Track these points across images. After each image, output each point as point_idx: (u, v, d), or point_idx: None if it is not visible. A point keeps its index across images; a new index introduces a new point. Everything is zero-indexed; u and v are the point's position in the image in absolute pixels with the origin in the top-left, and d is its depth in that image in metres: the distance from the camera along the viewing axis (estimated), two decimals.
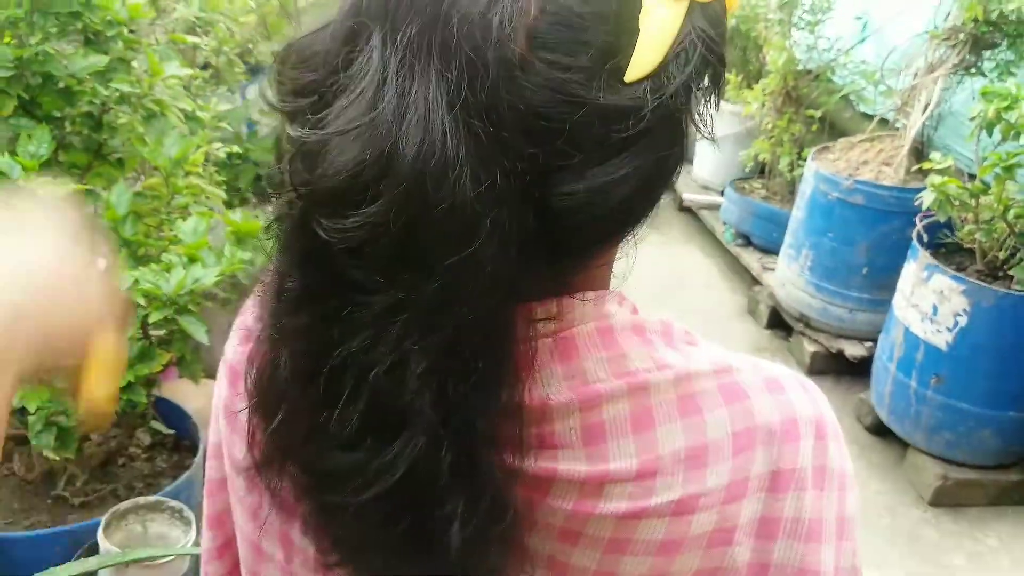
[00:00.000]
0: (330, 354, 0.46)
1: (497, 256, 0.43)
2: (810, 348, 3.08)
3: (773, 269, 3.36)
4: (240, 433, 0.61)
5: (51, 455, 1.52)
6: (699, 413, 0.51)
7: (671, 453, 0.49)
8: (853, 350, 2.98)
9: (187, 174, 1.79)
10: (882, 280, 2.82)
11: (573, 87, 0.42)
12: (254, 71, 3.13)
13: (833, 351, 3.02)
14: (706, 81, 0.46)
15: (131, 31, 1.80)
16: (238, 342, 0.63)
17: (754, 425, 0.51)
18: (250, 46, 2.98)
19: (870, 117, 3.22)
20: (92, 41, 1.76)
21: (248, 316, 0.64)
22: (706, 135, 0.49)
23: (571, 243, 0.47)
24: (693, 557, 0.51)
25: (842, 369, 3.03)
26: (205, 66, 2.79)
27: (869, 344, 2.91)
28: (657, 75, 0.43)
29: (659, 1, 0.43)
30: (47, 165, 1.59)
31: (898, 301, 2.58)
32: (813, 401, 0.55)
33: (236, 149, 2.02)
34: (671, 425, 0.50)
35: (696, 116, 0.47)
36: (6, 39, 1.57)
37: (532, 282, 0.49)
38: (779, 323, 3.31)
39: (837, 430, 0.56)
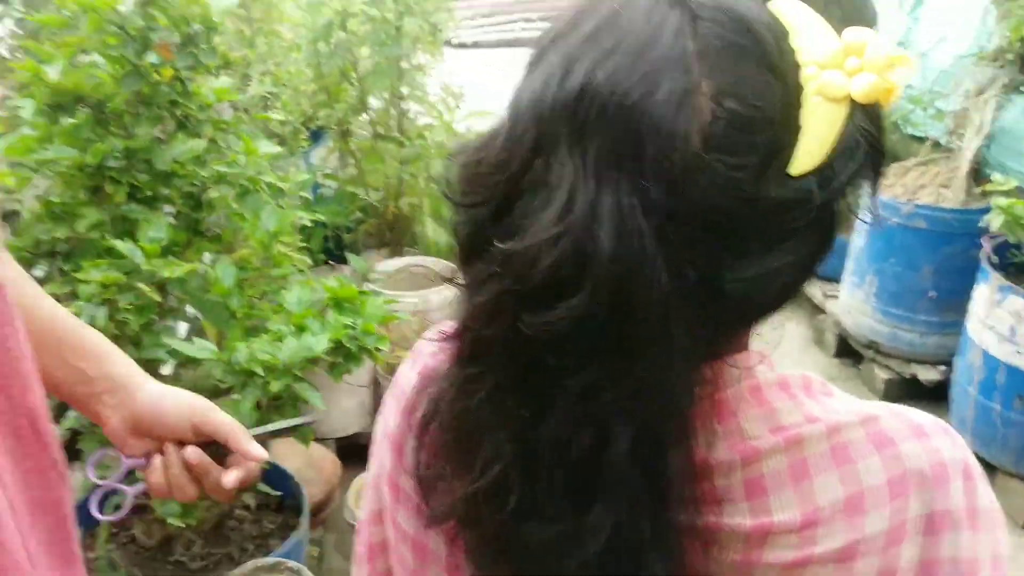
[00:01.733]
0: (525, 434, 0.50)
1: (684, 336, 0.47)
2: (883, 375, 3.06)
3: (836, 297, 3.36)
4: (406, 505, 0.66)
5: (175, 522, 1.58)
6: (852, 462, 0.54)
7: (830, 503, 0.52)
8: (927, 375, 2.96)
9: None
10: (950, 302, 2.81)
11: (746, 184, 0.47)
12: (315, 136, 3.25)
13: (907, 376, 3.00)
14: (867, 172, 0.50)
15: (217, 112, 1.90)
16: (398, 412, 0.67)
17: (906, 470, 0.54)
18: (311, 111, 3.09)
19: (918, 139, 3.23)
20: (185, 125, 1.86)
21: (403, 386, 0.68)
22: (865, 221, 0.54)
23: (735, 318, 0.53)
24: None
25: (917, 394, 3.00)
26: (271, 135, 2.91)
27: (943, 368, 2.89)
28: (822, 169, 0.48)
29: (820, 101, 0.48)
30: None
31: (972, 324, 2.57)
32: (956, 444, 0.57)
33: (319, 216, 2.10)
34: (827, 475, 0.53)
35: (852, 203, 0.51)
36: (113, 131, 1.67)
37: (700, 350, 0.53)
38: (847, 351, 3.30)
39: (981, 470, 0.58)
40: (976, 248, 2.58)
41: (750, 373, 0.56)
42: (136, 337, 1.63)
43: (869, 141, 0.49)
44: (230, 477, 0.72)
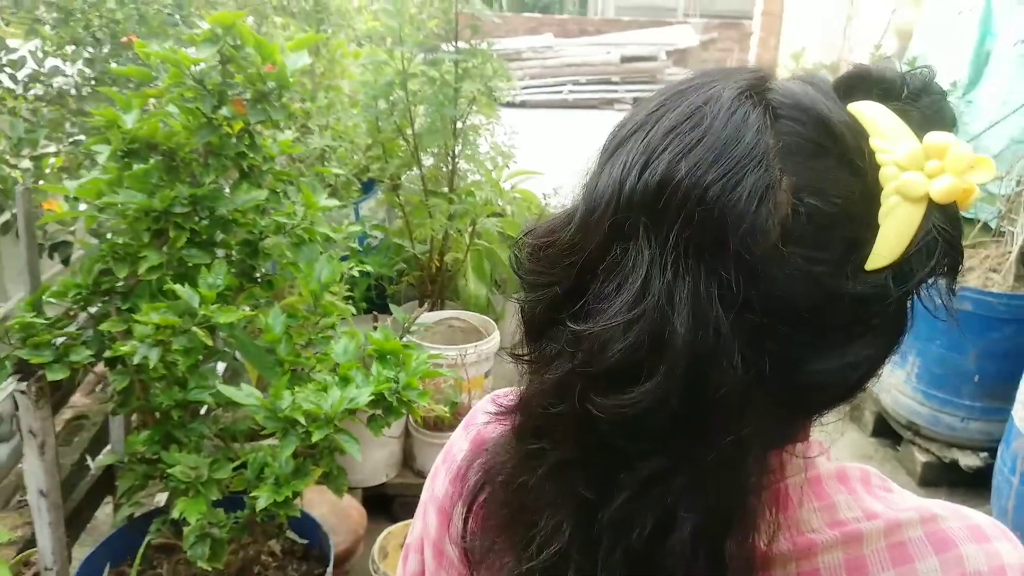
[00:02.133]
0: (587, 514, 0.50)
1: (757, 425, 0.48)
2: (922, 458, 3.01)
3: None
4: (449, 571, 0.67)
5: (203, 565, 1.60)
6: (911, 561, 0.54)
7: None
8: (968, 460, 2.90)
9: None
10: (995, 388, 2.77)
11: (823, 278, 0.48)
12: (366, 187, 3.33)
13: (947, 461, 2.94)
14: (943, 270, 0.51)
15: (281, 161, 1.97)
16: (448, 479, 0.68)
17: (964, 572, 0.54)
18: (365, 163, 3.18)
19: (969, 221, 3.21)
20: (247, 175, 1.93)
21: (455, 453, 0.70)
22: (943, 319, 0.54)
23: (805, 409, 0.54)
24: None
25: (956, 480, 2.94)
26: (326, 186, 2.99)
27: (984, 454, 2.83)
28: (900, 266, 0.48)
29: (899, 201, 0.49)
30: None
31: (1018, 411, 2.52)
32: (1017, 548, 0.57)
33: (367, 267, 2.15)
34: (885, 574, 0.53)
35: (927, 298, 0.52)
36: (181, 178, 1.74)
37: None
38: (885, 431, 3.24)
39: None
40: None
41: (811, 464, 0.56)
42: (182, 378, 1.67)
43: (947, 240, 0.49)
44: None
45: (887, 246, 0.48)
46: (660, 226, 0.48)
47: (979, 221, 3.10)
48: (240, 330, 1.72)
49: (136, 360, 1.50)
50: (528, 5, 14.17)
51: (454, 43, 2.75)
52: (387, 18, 2.66)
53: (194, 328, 1.50)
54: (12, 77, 2.51)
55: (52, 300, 1.72)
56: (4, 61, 2.47)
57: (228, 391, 1.51)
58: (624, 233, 0.49)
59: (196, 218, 1.74)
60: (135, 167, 1.71)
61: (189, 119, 1.68)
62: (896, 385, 3.10)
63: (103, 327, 1.65)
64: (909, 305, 0.52)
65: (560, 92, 8.72)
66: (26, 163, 2.32)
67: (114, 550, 1.91)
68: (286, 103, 1.74)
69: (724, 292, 0.47)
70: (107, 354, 1.67)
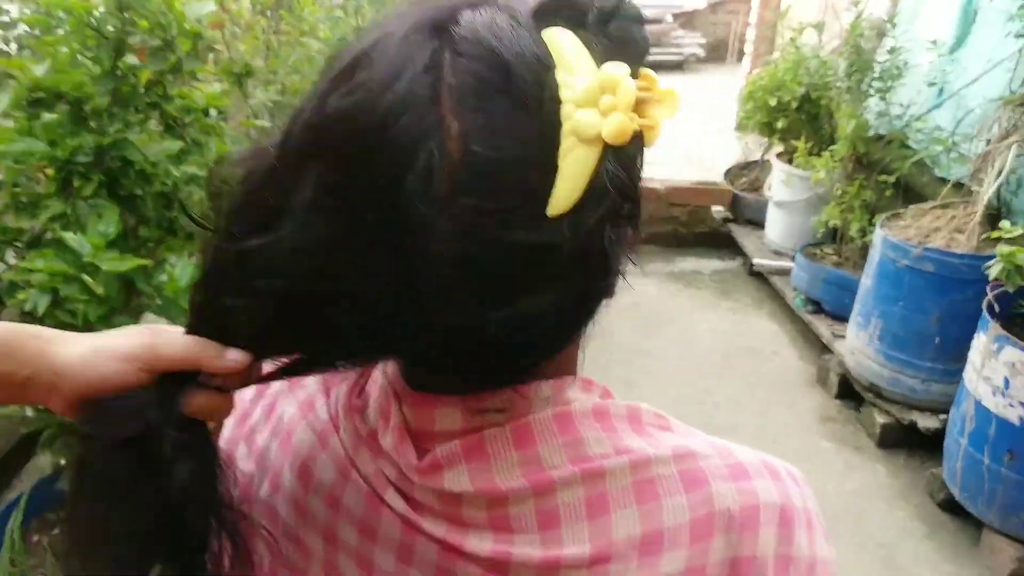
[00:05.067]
0: None
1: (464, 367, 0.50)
2: (881, 419, 2.98)
3: (844, 337, 3.28)
4: None
5: None
6: (656, 499, 0.51)
7: (626, 539, 0.50)
8: (926, 422, 2.86)
9: None
10: (956, 350, 2.71)
11: (494, 228, 0.44)
12: None
13: (905, 423, 2.91)
14: (617, 219, 0.47)
15: (212, 114, 1.95)
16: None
17: (713, 511, 0.51)
18: None
19: (941, 181, 3.14)
20: (172, 127, 1.92)
21: None
22: (620, 273, 0.51)
23: (511, 357, 0.50)
24: None
25: (915, 442, 2.91)
26: None
27: (943, 416, 2.79)
28: (574, 213, 0.45)
29: (575, 142, 0.45)
30: (122, 239, 1.74)
31: (969, 373, 2.48)
32: (781, 488, 0.54)
33: None
34: (626, 511, 0.51)
35: (614, 251, 0.47)
36: (90, 127, 1.73)
37: (479, 379, 0.53)
38: (849, 393, 3.21)
39: (810, 518, 0.55)
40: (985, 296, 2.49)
41: (563, 399, 0.54)
42: (90, 328, 1.68)
43: (616, 186, 0.45)
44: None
45: (565, 191, 0.44)
46: (322, 169, 0.45)
47: (949, 181, 3.03)
48: (156, 283, 1.72)
49: (28, 307, 1.51)
50: None
51: None
52: None
53: (84, 276, 1.50)
54: None
55: None
56: None
57: None
58: (290, 173, 0.47)
59: (107, 168, 1.73)
60: (44, 117, 1.71)
61: (94, 68, 1.66)
62: (859, 347, 3.06)
63: (5, 276, 1.66)
64: (597, 255, 0.47)
65: None
66: None
67: (37, 499, 1.94)
68: (201, 53, 1.73)
69: (381, 238, 0.44)
70: (10, 302, 1.68)
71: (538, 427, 0.53)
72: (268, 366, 0.54)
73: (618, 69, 0.46)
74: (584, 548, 0.50)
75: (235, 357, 0.52)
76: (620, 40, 0.48)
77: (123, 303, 1.70)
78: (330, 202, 0.45)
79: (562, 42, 0.46)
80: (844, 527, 2.61)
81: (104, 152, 1.71)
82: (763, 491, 0.53)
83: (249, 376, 0.54)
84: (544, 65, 0.45)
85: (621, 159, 0.46)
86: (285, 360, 0.53)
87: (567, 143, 0.44)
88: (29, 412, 1.86)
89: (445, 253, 0.44)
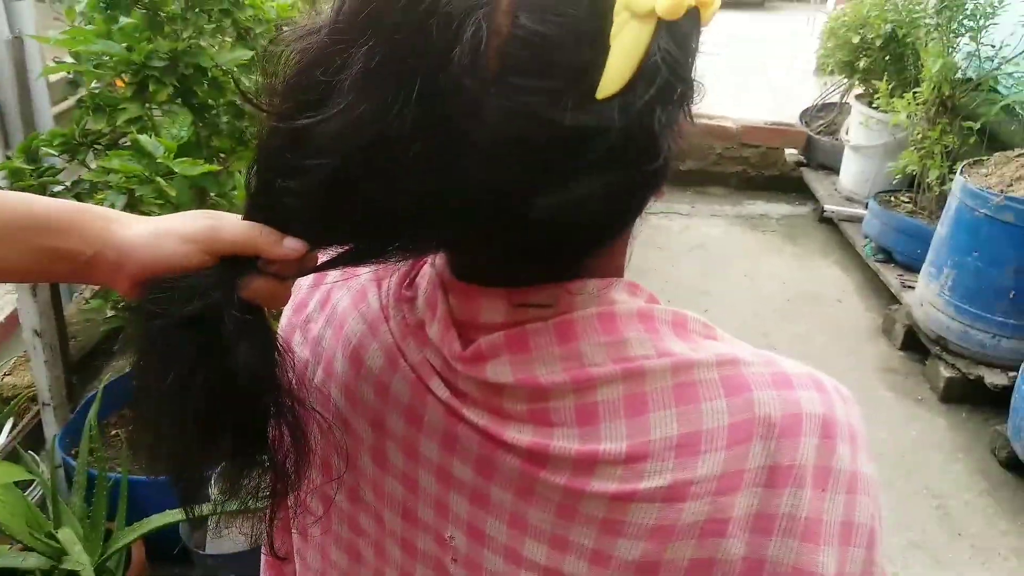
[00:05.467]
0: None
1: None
2: (946, 373, 2.90)
3: (913, 287, 3.18)
4: None
5: None
6: (696, 402, 0.51)
7: (663, 439, 0.50)
8: (994, 378, 2.78)
9: None
10: None
11: (543, 109, 0.43)
12: None
13: (971, 378, 2.83)
14: (673, 101, 0.45)
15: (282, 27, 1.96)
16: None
17: (753, 417, 0.51)
18: None
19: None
20: (243, 37, 1.94)
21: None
22: (669, 158, 0.48)
23: (558, 247, 0.50)
24: (685, 546, 0.50)
25: (980, 398, 2.83)
26: None
27: (1012, 374, 2.71)
28: (624, 94, 0.43)
29: (628, 18, 0.43)
30: (196, 148, 1.77)
31: None
32: (826, 401, 0.53)
33: None
34: (665, 412, 0.51)
35: (668, 135, 0.46)
36: (164, 32, 1.75)
37: (525, 272, 0.53)
38: (915, 345, 3.13)
39: (854, 433, 0.54)
40: None
41: (608, 300, 0.54)
42: None
43: (669, 65, 0.44)
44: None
45: (617, 70, 0.43)
46: (372, 44, 0.45)
47: None
48: (227, 188, 1.76)
49: (106, 205, 1.56)
50: None
51: None
52: None
53: (158, 178, 1.54)
54: None
55: (49, 149, 1.79)
56: None
57: None
58: (341, 48, 0.46)
59: (179, 73, 1.76)
60: (121, 20, 1.73)
61: None
62: (929, 298, 2.97)
63: (85, 176, 1.71)
64: (649, 138, 0.45)
65: None
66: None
67: (116, 394, 2.04)
68: None
69: (429, 116, 0.43)
70: (88, 202, 1.74)
71: (581, 324, 0.53)
72: (325, 256, 0.55)
73: None
74: (621, 445, 0.50)
75: (292, 245, 0.52)
76: None
77: (195, 208, 1.74)
78: (379, 78, 0.44)
79: None
80: (898, 475, 2.57)
81: (178, 58, 1.73)
82: (806, 401, 0.52)
83: (305, 265, 0.54)
84: None
85: (675, 36, 0.44)
86: (341, 250, 0.53)
87: (620, 18, 0.43)
88: (110, 312, 1.94)
89: (492, 132, 0.43)
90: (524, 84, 0.43)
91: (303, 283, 0.69)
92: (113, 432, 2.08)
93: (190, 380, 0.51)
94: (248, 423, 0.54)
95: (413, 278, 0.61)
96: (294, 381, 0.58)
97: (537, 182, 0.45)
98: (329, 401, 0.62)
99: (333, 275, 0.65)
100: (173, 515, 1.71)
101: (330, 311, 0.65)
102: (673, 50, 0.44)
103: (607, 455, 0.50)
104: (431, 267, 0.59)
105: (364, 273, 0.64)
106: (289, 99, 0.49)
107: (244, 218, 0.53)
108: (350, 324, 0.62)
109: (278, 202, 0.51)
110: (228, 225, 0.53)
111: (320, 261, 0.55)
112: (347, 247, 0.53)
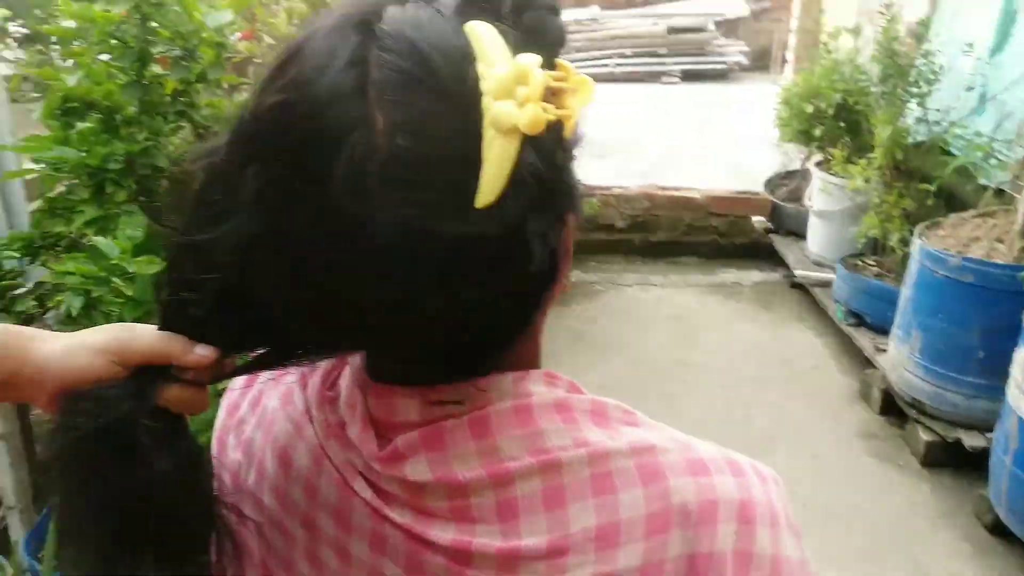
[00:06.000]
0: None
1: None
2: (925, 437, 2.89)
3: (886, 351, 3.20)
4: None
5: None
6: (613, 492, 0.51)
7: (582, 531, 0.50)
8: (972, 440, 2.77)
9: None
10: (1001, 365, 2.61)
11: (423, 221, 0.44)
12: None
13: (950, 440, 2.82)
14: (544, 209, 0.47)
15: None
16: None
17: (669, 505, 0.51)
18: None
19: (982, 188, 3.05)
20: (202, 135, 1.97)
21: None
22: (557, 263, 0.51)
23: (459, 347, 0.51)
24: None
25: (961, 461, 2.81)
26: None
27: (989, 434, 2.70)
28: (499, 205, 0.45)
29: (495, 135, 0.45)
30: (155, 246, 1.78)
31: (1011, 389, 2.39)
32: (743, 484, 0.54)
33: None
34: (583, 503, 0.51)
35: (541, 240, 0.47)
36: (121, 135, 1.78)
37: (433, 371, 0.54)
38: (893, 409, 3.12)
39: (775, 514, 0.54)
40: None
41: (524, 392, 0.55)
42: None
43: (537, 177, 0.46)
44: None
45: (489, 183, 0.45)
46: (260, 165, 0.47)
47: (990, 187, 2.94)
48: None
49: (63, 308, 1.55)
50: None
51: None
52: None
53: (114, 279, 1.54)
54: None
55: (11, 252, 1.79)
56: None
57: None
58: (234, 169, 0.48)
59: (138, 174, 1.78)
60: (78, 126, 1.76)
61: (122, 77, 1.71)
62: (901, 361, 2.98)
63: (43, 279, 1.71)
64: (528, 241, 0.47)
65: (606, 66, 8.59)
66: None
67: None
68: (222, 63, 1.76)
69: (317, 232, 0.45)
70: (49, 304, 1.73)
71: (496, 419, 0.53)
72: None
73: (529, 59, 0.46)
74: (542, 539, 0.50)
75: (202, 352, 0.53)
76: (534, 30, 0.48)
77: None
78: (268, 198, 0.46)
79: (483, 34, 0.46)
80: (884, 546, 2.53)
81: (135, 159, 1.75)
82: (721, 487, 0.53)
83: (221, 370, 0.55)
84: (465, 58, 0.46)
85: (540, 149, 0.46)
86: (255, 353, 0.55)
87: (488, 135, 0.45)
88: None
89: (376, 244, 0.44)
90: (404, 198, 0.44)
91: (236, 384, 0.69)
92: None
93: (109, 493, 0.52)
94: (173, 532, 0.55)
95: (335, 378, 0.61)
96: (227, 486, 0.61)
97: (424, 289, 0.46)
98: (263, 504, 0.62)
99: (264, 376, 0.65)
100: None
101: (260, 412, 0.65)
102: (537, 163, 0.46)
103: (528, 551, 0.50)
104: (349, 367, 0.60)
105: (292, 374, 0.64)
106: (191, 215, 0.52)
107: (159, 328, 0.54)
108: (278, 425, 0.63)
109: (184, 312, 0.53)
110: (140, 335, 0.54)
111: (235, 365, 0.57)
112: (259, 352, 0.55)
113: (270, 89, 0.47)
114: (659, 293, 4.31)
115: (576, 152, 0.51)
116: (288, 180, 0.46)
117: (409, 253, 0.45)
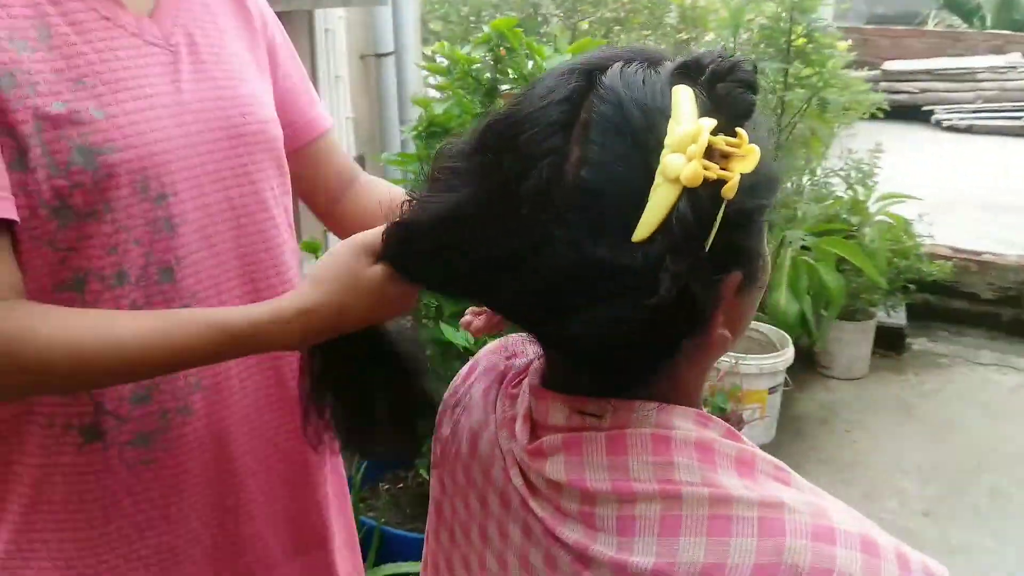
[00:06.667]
0: None
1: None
2: None
3: None
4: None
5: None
6: (727, 535, 0.53)
7: (688, 564, 0.53)
8: None
9: None
10: None
11: (584, 241, 0.53)
12: None
13: None
14: (683, 254, 0.52)
15: None
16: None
17: (780, 562, 0.51)
18: None
19: None
20: None
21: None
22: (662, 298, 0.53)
23: (598, 363, 0.59)
24: None
25: None
26: None
27: None
28: (649, 241, 0.52)
29: (662, 181, 0.52)
30: None
31: None
32: (869, 565, 0.52)
33: None
34: (695, 539, 0.54)
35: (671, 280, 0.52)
36: None
37: (580, 382, 0.62)
38: None
39: None
40: None
41: (666, 423, 0.59)
42: None
43: (682, 224, 0.51)
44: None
45: (646, 222, 0.52)
46: (481, 153, 0.58)
47: None
48: None
49: None
50: (1018, 23, 12.39)
51: (786, 46, 2.75)
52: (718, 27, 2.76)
53: None
54: None
55: None
56: None
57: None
58: (466, 153, 0.60)
59: None
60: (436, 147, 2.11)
61: (474, 108, 2.02)
62: None
63: None
64: (660, 277, 0.52)
65: (1020, 119, 7.61)
66: None
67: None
68: None
69: (509, 223, 0.55)
70: None
71: (632, 440, 0.58)
72: None
73: (707, 122, 0.52)
74: (649, 560, 0.54)
75: None
76: (723, 98, 0.55)
77: None
78: (478, 183, 0.57)
79: (682, 97, 0.54)
80: None
81: None
82: (843, 559, 0.52)
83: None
84: (661, 115, 0.54)
85: (694, 201, 0.52)
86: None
87: (657, 180, 0.52)
88: None
89: (543, 248, 0.54)
90: (574, 219, 0.53)
91: (461, 371, 0.83)
92: (385, 487, 2.39)
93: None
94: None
95: (522, 379, 0.70)
96: (438, 455, 0.76)
97: (571, 302, 0.55)
98: (457, 476, 0.73)
99: (481, 366, 0.80)
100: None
101: (468, 399, 0.77)
102: (688, 213, 0.52)
103: (635, 567, 0.54)
104: (531, 371, 0.69)
105: (497, 370, 0.76)
106: (430, 185, 0.63)
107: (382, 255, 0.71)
108: (476, 412, 0.74)
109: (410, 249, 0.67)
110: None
111: None
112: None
113: (507, 103, 0.59)
114: (1020, 380, 3.75)
115: (758, 217, 0.57)
116: (493, 175, 0.56)
117: (565, 262, 0.54)
